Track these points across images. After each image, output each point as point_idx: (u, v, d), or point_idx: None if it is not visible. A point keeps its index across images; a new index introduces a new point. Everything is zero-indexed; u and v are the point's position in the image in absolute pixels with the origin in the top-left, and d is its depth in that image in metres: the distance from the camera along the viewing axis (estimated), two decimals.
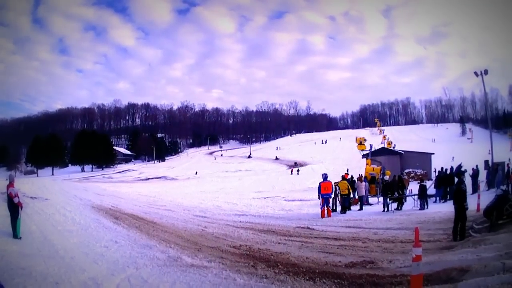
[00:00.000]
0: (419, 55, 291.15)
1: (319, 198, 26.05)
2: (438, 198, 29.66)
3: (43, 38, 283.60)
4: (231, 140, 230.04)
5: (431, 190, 30.20)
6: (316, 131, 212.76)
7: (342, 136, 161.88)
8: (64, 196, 28.13)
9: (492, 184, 30.93)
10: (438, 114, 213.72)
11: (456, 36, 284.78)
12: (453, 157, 66.22)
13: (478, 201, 21.17)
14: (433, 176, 44.19)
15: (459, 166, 30.64)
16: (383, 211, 26.61)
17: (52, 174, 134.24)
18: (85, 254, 12.96)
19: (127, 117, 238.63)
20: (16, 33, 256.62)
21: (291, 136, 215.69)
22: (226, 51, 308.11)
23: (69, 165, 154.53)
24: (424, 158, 60.48)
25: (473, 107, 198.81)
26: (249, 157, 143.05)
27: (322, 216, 24.58)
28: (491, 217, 15.08)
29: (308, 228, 19.91)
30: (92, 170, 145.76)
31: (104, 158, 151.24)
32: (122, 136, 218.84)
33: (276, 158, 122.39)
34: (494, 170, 31.43)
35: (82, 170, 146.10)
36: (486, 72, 40.64)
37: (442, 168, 33.66)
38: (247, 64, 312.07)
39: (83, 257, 12.51)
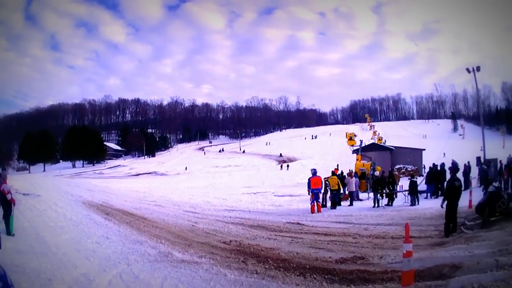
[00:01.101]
0: (410, 52, 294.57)
1: (309, 194, 26.08)
2: (429, 194, 29.69)
3: (35, 34, 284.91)
4: (221, 136, 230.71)
5: (422, 186, 30.25)
6: (306, 126, 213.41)
7: (332, 132, 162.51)
8: (56, 192, 28.12)
9: (483, 181, 31.02)
10: (429, 110, 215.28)
11: (448, 33, 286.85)
12: (444, 153, 66.66)
13: (470, 197, 21.38)
14: (424, 172, 44.35)
15: (454, 163, 30.70)
16: (374, 206, 26.65)
17: (44, 170, 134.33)
18: (77, 250, 12.96)
19: (118, 113, 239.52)
20: (9, 30, 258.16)
21: (280, 131, 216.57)
22: (216, 47, 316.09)
23: (61, 161, 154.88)
24: (415, 154, 60.75)
25: (465, 103, 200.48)
26: (243, 152, 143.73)
27: (312, 211, 24.54)
28: (483, 214, 15.08)
29: (298, 223, 19.85)
30: (83, 166, 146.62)
31: (95, 154, 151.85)
32: (113, 131, 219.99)
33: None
34: (487, 167, 31.45)
35: (73, 166, 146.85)
36: (478, 68, 40.82)
37: (433, 164, 33.70)
38: (237, 59, 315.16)
39: (75, 253, 12.50)
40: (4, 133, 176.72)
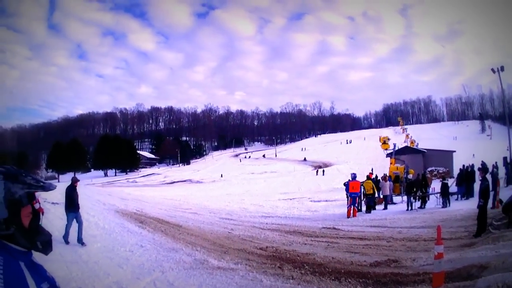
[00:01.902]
0: (437, 53, 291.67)
1: (347, 197, 26.08)
2: (459, 195, 29.56)
3: (60, 43, 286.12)
4: (256, 142, 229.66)
5: (452, 188, 30.12)
6: (341, 131, 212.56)
7: (366, 136, 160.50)
8: (86, 201, 27.73)
9: (510, 181, 30.78)
10: (459, 112, 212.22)
11: (471, 34, 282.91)
12: (473, 154, 65.78)
13: (498, 197, 21.24)
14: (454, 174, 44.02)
15: (483, 164, 30.55)
16: (407, 210, 26.64)
17: None
18: (110, 258, 13.07)
19: (151, 121, 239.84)
20: (31, 39, 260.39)
21: (315, 136, 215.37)
22: (247, 53, 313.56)
23: (92, 170, 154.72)
24: (446, 156, 59.98)
25: (492, 103, 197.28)
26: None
27: (348, 215, 24.64)
28: (510, 214, 15.08)
29: (334, 228, 19.93)
30: (115, 175, 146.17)
31: (128, 162, 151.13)
32: (146, 140, 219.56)
33: (305, 159, 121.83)
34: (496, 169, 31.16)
35: (105, 175, 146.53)
36: (502, 68, 40.61)
37: (463, 166, 33.51)
38: (269, 65, 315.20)
39: (107, 262, 12.63)
40: (31, 143, 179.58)
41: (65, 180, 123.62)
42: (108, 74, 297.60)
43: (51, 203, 23.91)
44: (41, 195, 19.67)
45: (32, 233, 2.49)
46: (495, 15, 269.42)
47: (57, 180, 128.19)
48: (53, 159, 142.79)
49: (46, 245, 2.58)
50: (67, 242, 14.63)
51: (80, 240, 14.83)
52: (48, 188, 2.59)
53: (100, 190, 44.63)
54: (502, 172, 32.64)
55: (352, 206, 25.17)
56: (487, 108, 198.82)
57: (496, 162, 32.68)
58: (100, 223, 19.78)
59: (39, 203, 15.69)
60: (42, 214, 15.41)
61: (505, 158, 35.25)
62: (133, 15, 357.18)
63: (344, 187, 27.72)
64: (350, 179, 26.73)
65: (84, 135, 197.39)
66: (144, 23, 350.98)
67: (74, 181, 16.31)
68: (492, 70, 41.00)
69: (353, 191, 25.56)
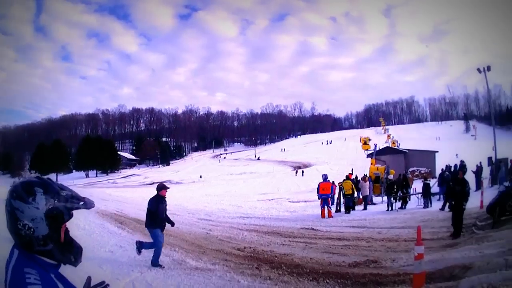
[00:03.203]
0: (421, 53, 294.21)
1: (318, 199, 26.24)
2: (441, 196, 29.70)
3: (45, 45, 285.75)
4: (236, 143, 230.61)
5: (434, 188, 30.25)
6: (321, 131, 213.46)
7: (347, 136, 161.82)
8: None
9: (495, 181, 30.98)
10: (442, 112, 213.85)
11: (458, 33, 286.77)
12: (456, 154, 66.27)
13: (482, 198, 21.23)
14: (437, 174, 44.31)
15: (462, 164, 30.70)
16: (387, 210, 26.76)
17: (56, 180, 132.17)
18: (90, 259, 12.63)
19: (132, 122, 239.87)
20: (18, 41, 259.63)
21: (296, 137, 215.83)
22: (229, 54, 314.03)
23: (74, 171, 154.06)
24: (428, 156, 60.38)
25: (477, 104, 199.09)
26: (258, 159, 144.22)
27: (322, 216, 24.81)
28: (494, 214, 15.14)
29: (312, 229, 19.96)
30: (96, 176, 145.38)
31: (109, 163, 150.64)
32: (127, 141, 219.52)
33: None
34: (497, 167, 31.45)
35: (87, 176, 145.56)
36: (489, 68, 40.74)
37: (446, 166, 33.66)
38: (250, 67, 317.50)
39: (88, 262, 11.94)
40: (16, 144, 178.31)
41: None
42: (91, 76, 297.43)
43: None
44: None
45: (67, 247, 2.52)
46: (483, 15, 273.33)
47: None
48: (37, 160, 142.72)
49: (78, 258, 2.61)
50: (161, 266, 12.40)
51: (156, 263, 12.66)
52: (89, 205, 2.60)
53: (81, 191, 43.73)
54: (486, 172, 32.85)
55: (325, 207, 25.30)
56: (472, 108, 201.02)
57: (480, 162, 32.81)
58: (80, 223, 19.34)
59: None
60: None
61: (489, 158, 35.41)
62: (117, 17, 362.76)
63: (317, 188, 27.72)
64: (322, 180, 26.85)
65: (67, 136, 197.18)
66: (127, 24, 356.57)
67: (162, 188, 13.66)
68: (478, 70, 41.15)
69: (323, 192, 25.67)
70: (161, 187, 13.43)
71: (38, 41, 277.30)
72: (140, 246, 13.01)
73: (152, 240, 12.86)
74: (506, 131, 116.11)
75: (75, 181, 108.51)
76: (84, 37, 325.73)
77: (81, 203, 2.52)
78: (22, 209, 2.24)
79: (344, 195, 28.23)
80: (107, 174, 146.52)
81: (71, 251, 2.54)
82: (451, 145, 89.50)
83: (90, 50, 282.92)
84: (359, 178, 35.15)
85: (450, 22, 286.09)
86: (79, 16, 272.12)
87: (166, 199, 13.51)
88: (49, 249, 2.33)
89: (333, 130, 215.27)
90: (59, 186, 2.45)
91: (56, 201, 2.34)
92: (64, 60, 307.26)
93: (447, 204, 16.52)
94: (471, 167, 31.28)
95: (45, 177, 2.51)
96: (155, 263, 12.29)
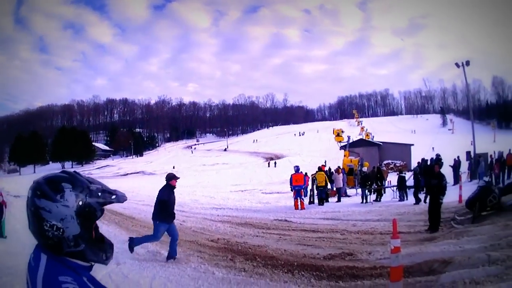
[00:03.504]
0: (396, 47, 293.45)
1: (291, 190, 26.32)
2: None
3: (24, 37, 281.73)
4: (208, 134, 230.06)
5: (410, 181, 30.31)
6: (293, 123, 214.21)
7: (320, 128, 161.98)
8: None
9: (474, 175, 31.08)
10: (418, 106, 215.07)
11: (435, 28, 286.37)
12: (433, 148, 66.75)
13: (460, 192, 21.22)
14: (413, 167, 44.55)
15: (438, 157, 30.73)
16: (362, 202, 26.80)
17: (34, 172, 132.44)
18: None
19: (106, 113, 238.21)
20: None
21: (268, 128, 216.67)
22: (202, 45, 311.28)
23: (50, 162, 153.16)
24: (404, 149, 60.89)
25: (455, 98, 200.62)
26: (225, 150, 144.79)
27: (296, 208, 24.77)
28: (474, 209, 15.07)
29: (286, 220, 19.89)
30: (72, 167, 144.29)
31: (83, 155, 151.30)
32: (101, 132, 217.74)
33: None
34: (477, 161, 31.54)
35: (63, 167, 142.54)
36: (468, 63, 40.89)
37: (422, 159, 33.71)
38: (223, 58, 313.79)
39: None
40: None
41: (26, 172, 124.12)
42: (67, 67, 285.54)
43: (13, 196, 24.20)
44: (4, 188, 19.09)
45: (98, 245, 2.25)
46: (462, 9, 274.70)
47: (18, 173, 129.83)
48: (15, 152, 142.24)
49: (109, 255, 2.33)
50: (174, 258, 12.06)
51: (173, 255, 12.25)
52: (121, 198, 2.28)
53: None
54: (464, 167, 32.99)
55: (298, 198, 25.29)
56: (450, 102, 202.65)
57: (458, 156, 32.93)
58: None
59: (2, 196, 15.01)
60: (5, 207, 14.94)
61: (468, 153, 35.55)
62: (93, 8, 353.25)
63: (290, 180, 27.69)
64: (294, 172, 26.92)
65: (44, 127, 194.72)
66: (103, 16, 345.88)
67: (172, 178, 12.77)
68: (457, 64, 41.26)
69: (296, 184, 25.74)
70: (171, 177, 12.70)
71: (17, 33, 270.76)
72: (132, 242, 12.38)
73: (149, 234, 12.45)
74: (485, 126, 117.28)
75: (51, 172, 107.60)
76: (61, 28, 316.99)
77: (113, 196, 2.23)
78: (49, 209, 2.00)
79: (317, 187, 28.01)
80: (82, 165, 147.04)
81: (103, 249, 2.25)
82: (427, 139, 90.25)
83: (66, 41, 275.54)
84: (332, 170, 35.04)
85: (427, 17, 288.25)
86: (57, 7, 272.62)
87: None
88: (81, 249, 2.09)
89: (305, 121, 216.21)
90: (88, 179, 2.20)
91: (86, 197, 2.09)
92: (41, 52, 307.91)
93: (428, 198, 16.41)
94: (448, 161, 31.48)
95: (71, 170, 2.28)
96: (173, 254, 12.00)
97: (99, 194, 2.15)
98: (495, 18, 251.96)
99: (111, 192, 2.22)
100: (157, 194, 12.38)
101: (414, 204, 23.79)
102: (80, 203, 2.04)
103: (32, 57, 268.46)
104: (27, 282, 2.09)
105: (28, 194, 2.04)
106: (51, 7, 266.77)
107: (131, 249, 12.18)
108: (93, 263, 2.21)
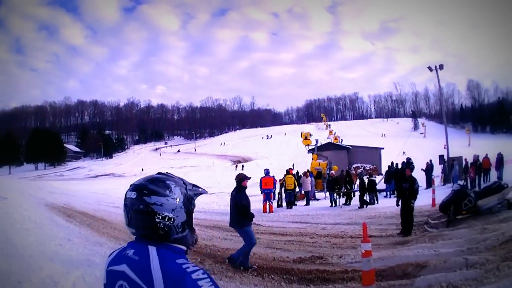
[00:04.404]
0: (366, 51, 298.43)
1: (261, 193, 26.50)
2: (388, 193, 30.07)
3: (2, 38, 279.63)
4: (176, 136, 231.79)
5: (381, 185, 30.51)
6: (261, 126, 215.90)
7: (287, 131, 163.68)
8: (21, 194, 27.65)
9: (448, 179, 31.41)
10: (388, 109, 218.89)
11: (407, 32, 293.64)
12: (403, 152, 67.36)
13: (433, 196, 21.49)
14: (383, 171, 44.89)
15: (409, 161, 31.01)
16: (331, 206, 26.93)
17: (10, 173, 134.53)
18: (42, 252, 12.78)
19: (77, 115, 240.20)
20: None
21: (235, 131, 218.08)
22: (170, 48, 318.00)
23: (24, 163, 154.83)
24: (373, 153, 61.58)
25: (427, 102, 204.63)
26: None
27: (264, 211, 24.98)
28: (448, 212, 15.19)
29: (254, 224, 19.57)
30: (45, 168, 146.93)
31: (55, 156, 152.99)
32: (72, 133, 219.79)
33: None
34: (450, 165, 31.85)
35: (36, 169, 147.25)
36: (441, 67, 41.25)
37: (392, 163, 34.00)
38: (190, 60, 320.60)
39: (40, 255, 12.35)
40: None
41: (1, 173, 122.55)
42: (40, 68, 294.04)
43: None
44: None
45: (192, 230, 2.62)
46: (436, 13, 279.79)
47: None
48: None
49: (196, 238, 2.69)
50: (249, 266, 11.26)
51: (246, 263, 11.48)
52: (206, 191, 2.75)
53: (31, 184, 45.00)
54: (437, 170, 33.29)
55: (267, 201, 25.55)
56: (421, 106, 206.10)
57: (430, 160, 33.25)
58: (32, 216, 19.35)
59: None
60: None
61: (441, 156, 35.91)
62: (66, 10, 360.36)
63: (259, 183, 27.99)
64: (263, 175, 27.19)
65: (18, 128, 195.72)
66: (75, 17, 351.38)
67: (244, 179, 12.64)
68: (429, 68, 41.54)
69: (266, 187, 25.98)
70: (243, 178, 12.58)
71: None
72: (234, 260, 11.41)
73: (244, 242, 11.74)
74: (459, 130, 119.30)
75: (26, 174, 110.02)
76: (36, 29, 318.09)
77: (200, 189, 2.66)
78: (160, 203, 2.36)
79: (286, 190, 28.23)
80: (54, 167, 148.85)
81: (194, 233, 2.64)
82: (398, 143, 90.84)
83: (40, 42, 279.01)
84: (300, 173, 35.32)
85: (399, 21, 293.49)
86: (33, 8, 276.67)
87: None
88: (185, 234, 2.48)
89: (273, 125, 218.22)
90: (178, 177, 2.61)
91: (185, 190, 2.51)
92: (17, 53, 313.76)
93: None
94: (420, 165, 31.67)
95: (165, 171, 2.74)
96: (246, 264, 11.28)
97: (192, 187, 2.58)
98: (471, 21, 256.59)
99: (197, 186, 2.66)
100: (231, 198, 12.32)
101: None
102: (184, 194, 2.46)
103: (9, 58, 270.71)
104: (120, 278, 2.32)
105: (130, 196, 2.40)
106: (28, 8, 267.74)
107: (237, 266, 11.28)
108: (189, 247, 2.54)
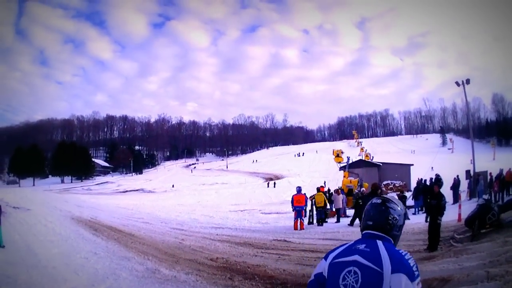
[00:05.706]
0: (395, 67, 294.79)
1: (293, 211, 26.23)
2: (417, 209, 29.87)
3: (25, 49, 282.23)
4: (207, 153, 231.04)
5: (410, 201, 30.37)
6: (293, 143, 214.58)
7: (319, 149, 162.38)
8: (45, 206, 28.43)
9: (474, 194, 31.19)
10: (418, 125, 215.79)
11: (434, 46, 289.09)
12: (432, 167, 66.70)
13: (459, 211, 21.35)
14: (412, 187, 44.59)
15: (438, 177, 30.83)
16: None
17: (33, 185, 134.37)
18: (66, 264, 13.06)
19: (106, 129, 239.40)
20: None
21: (267, 149, 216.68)
22: (200, 64, 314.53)
23: (50, 176, 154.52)
24: (403, 169, 60.74)
25: (454, 117, 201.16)
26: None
27: (295, 228, 24.76)
28: (473, 227, 15.17)
29: (285, 240, 19.85)
30: (71, 182, 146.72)
31: (83, 170, 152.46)
32: (101, 148, 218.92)
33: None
34: (476, 180, 31.63)
35: (62, 182, 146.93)
36: (468, 81, 40.89)
37: (420, 179, 33.81)
38: (221, 77, 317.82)
39: (65, 267, 12.63)
40: None
41: (25, 185, 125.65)
42: (66, 81, 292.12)
43: (12, 207, 24.65)
44: (3, 198, 19.40)
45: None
46: (460, 27, 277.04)
47: (17, 185, 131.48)
48: (15, 163, 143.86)
49: None
50: None
51: None
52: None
53: (57, 197, 45.45)
54: (464, 185, 33.07)
55: (298, 219, 25.31)
56: (449, 121, 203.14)
57: (457, 176, 33.01)
58: (56, 229, 19.96)
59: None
60: (1, 215, 15.03)
61: (468, 171, 35.62)
62: (93, 23, 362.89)
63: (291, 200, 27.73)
64: (296, 193, 26.92)
65: (44, 141, 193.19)
66: (102, 31, 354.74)
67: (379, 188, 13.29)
68: (457, 83, 41.16)
69: (297, 204, 25.75)
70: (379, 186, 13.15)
71: (18, 44, 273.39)
72: None
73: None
74: (485, 144, 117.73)
75: (51, 186, 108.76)
76: (61, 42, 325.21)
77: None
78: (394, 209, 3.35)
79: (316, 207, 28.12)
80: (81, 181, 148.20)
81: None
82: (427, 159, 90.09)
83: (66, 55, 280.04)
84: (331, 190, 35.30)
85: (426, 36, 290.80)
86: (58, 21, 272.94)
87: None
88: (399, 234, 3.39)
89: (305, 142, 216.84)
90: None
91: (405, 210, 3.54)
92: (41, 65, 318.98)
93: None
94: (448, 180, 31.32)
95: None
96: None
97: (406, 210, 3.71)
98: (495, 35, 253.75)
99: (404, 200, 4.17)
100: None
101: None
102: (404, 211, 3.43)
103: (33, 69, 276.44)
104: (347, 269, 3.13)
105: (377, 201, 3.44)
106: (52, 20, 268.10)
107: None
108: (396, 243, 3.39)
